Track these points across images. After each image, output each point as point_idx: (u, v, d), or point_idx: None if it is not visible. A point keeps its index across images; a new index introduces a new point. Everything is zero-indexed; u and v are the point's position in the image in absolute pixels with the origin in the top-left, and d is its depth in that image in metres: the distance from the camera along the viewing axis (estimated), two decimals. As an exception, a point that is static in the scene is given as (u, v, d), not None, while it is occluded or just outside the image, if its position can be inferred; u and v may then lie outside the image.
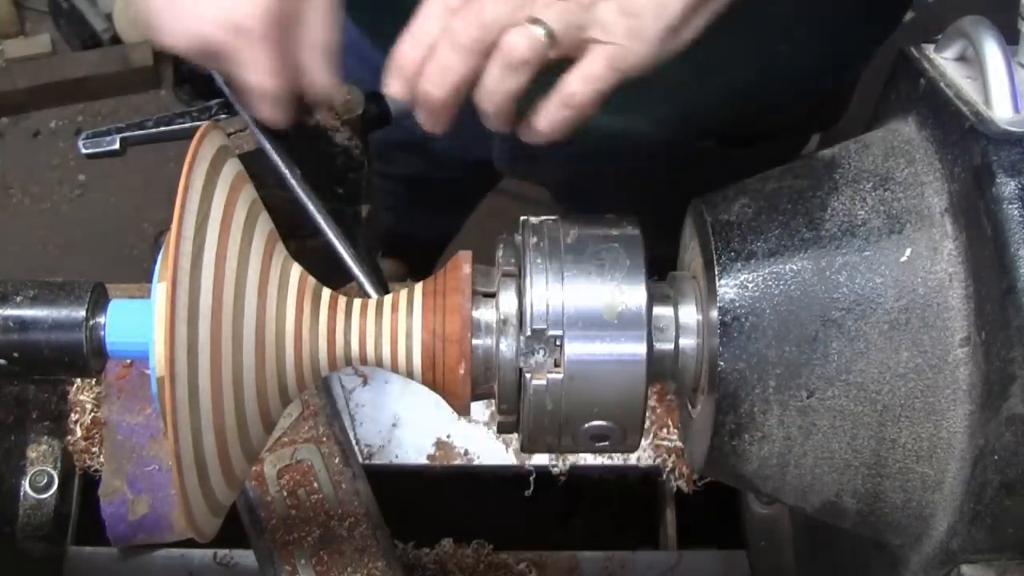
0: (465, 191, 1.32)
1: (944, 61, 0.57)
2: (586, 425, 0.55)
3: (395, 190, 1.19)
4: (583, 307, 0.53)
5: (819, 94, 0.94)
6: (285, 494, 0.80)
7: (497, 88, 0.57)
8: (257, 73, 0.63)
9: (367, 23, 0.85)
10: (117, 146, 0.73)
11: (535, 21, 0.56)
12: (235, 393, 0.52)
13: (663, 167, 0.94)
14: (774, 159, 0.62)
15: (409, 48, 0.59)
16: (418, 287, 0.57)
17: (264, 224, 0.57)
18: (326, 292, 0.57)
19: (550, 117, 0.58)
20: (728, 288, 0.54)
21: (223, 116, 0.72)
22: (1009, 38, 0.54)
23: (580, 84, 0.57)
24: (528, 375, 0.54)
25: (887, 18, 0.89)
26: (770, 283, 0.53)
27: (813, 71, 0.85)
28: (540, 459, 0.92)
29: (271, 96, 0.64)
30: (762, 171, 0.60)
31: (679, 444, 0.91)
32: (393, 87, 0.60)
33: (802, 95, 0.91)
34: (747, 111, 0.87)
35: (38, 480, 0.90)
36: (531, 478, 0.91)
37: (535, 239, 0.56)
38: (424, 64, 0.58)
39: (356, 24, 0.85)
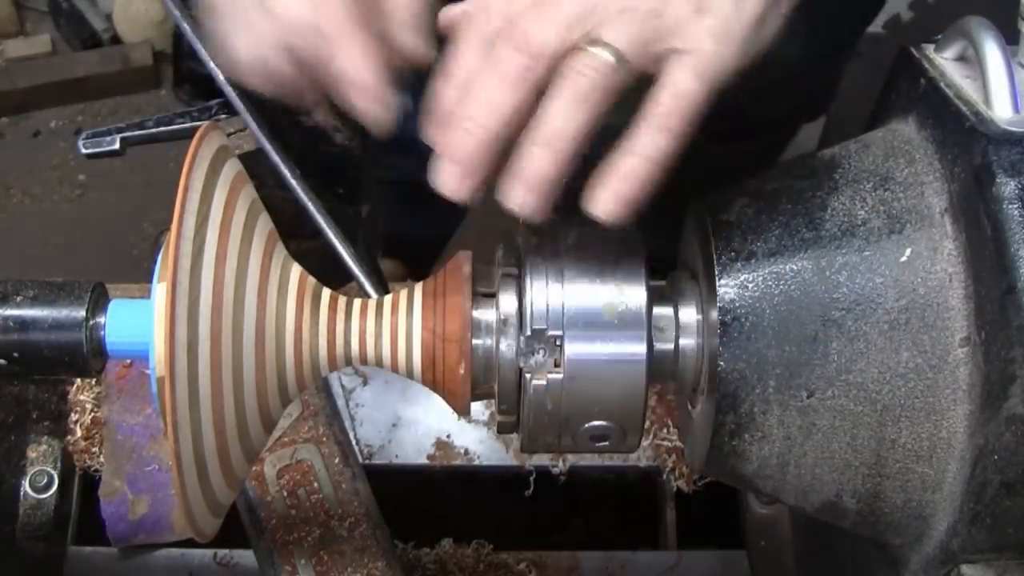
0: None
1: (944, 61, 0.57)
2: (586, 425, 0.55)
3: (392, 190, 1.19)
4: (583, 307, 0.53)
5: (802, 86, 0.93)
6: (285, 494, 0.80)
7: (563, 127, 0.48)
8: (352, 66, 0.56)
9: None
10: (117, 146, 0.73)
11: (597, 43, 0.48)
12: (235, 393, 0.52)
13: None
14: (764, 153, 0.61)
15: (446, 86, 0.51)
16: (418, 287, 0.57)
17: (264, 224, 0.57)
18: (326, 292, 0.57)
19: (636, 160, 0.49)
20: (728, 288, 0.54)
21: (223, 116, 0.72)
22: (1009, 38, 0.54)
23: (669, 101, 0.48)
24: (528, 375, 0.54)
25: (867, 4, 0.87)
26: (770, 283, 0.53)
27: (794, 62, 0.84)
28: (540, 459, 0.92)
29: (373, 87, 0.56)
30: (754, 165, 0.60)
31: (679, 444, 0.91)
32: (431, 134, 0.51)
33: (785, 86, 0.89)
34: (730, 105, 0.87)
35: (38, 480, 0.90)
36: (531, 478, 0.91)
37: (535, 239, 0.56)
38: (463, 102, 0.50)
39: None
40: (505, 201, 0.50)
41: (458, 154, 0.50)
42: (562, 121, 0.49)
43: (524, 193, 0.49)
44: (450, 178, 0.50)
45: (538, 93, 0.49)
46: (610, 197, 0.49)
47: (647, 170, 0.49)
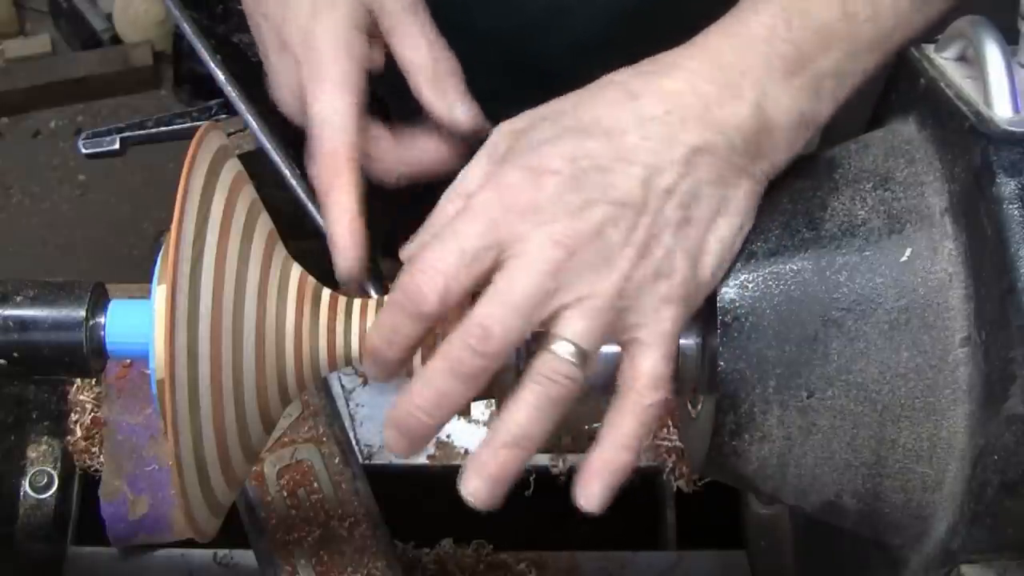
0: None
1: (944, 61, 0.57)
2: (586, 426, 0.54)
3: (392, 190, 1.18)
4: (583, 307, 0.53)
5: None
6: (285, 494, 0.80)
7: (534, 432, 0.50)
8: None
9: None
10: (117, 146, 0.73)
11: (558, 338, 0.49)
12: (235, 394, 0.52)
13: None
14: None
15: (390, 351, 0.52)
16: (418, 287, 0.57)
17: (264, 225, 0.57)
18: (326, 292, 0.57)
19: (624, 455, 0.51)
20: (728, 288, 0.54)
21: (223, 116, 0.72)
22: (1009, 38, 0.54)
23: (645, 383, 0.50)
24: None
25: None
26: (770, 283, 0.53)
27: None
28: (540, 459, 0.91)
29: None
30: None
31: (679, 444, 0.91)
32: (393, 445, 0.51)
33: None
34: None
35: (38, 480, 0.90)
36: (531, 478, 0.91)
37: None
38: (413, 391, 0.51)
39: None
40: (461, 488, 0.50)
41: (404, 435, 0.51)
42: (535, 426, 0.50)
43: (485, 487, 0.50)
44: (399, 448, 0.51)
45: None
46: (601, 492, 0.51)
47: (633, 458, 0.51)
